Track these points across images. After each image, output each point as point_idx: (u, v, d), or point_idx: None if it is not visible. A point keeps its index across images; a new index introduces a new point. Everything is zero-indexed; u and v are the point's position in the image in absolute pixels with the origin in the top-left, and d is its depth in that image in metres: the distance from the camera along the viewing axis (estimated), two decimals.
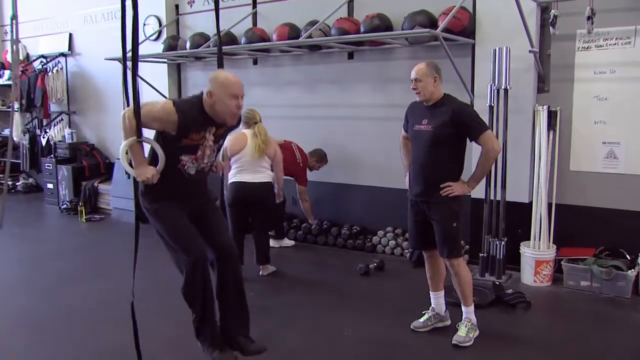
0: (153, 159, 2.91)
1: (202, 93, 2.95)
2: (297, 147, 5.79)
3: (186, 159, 2.95)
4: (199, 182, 3.12)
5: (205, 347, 3.07)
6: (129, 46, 2.77)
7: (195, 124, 2.89)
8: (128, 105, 2.75)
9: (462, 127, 3.43)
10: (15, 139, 8.96)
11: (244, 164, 4.81)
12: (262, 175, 4.87)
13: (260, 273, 5.02)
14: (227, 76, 2.95)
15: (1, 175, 9.62)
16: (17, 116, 8.62)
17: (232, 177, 4.85)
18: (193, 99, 3.00)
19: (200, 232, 3.05)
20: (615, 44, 4.52)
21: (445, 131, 3.42)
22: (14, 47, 3.90)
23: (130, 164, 2.88)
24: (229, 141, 4.70)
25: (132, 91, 2.69)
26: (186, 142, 2.90)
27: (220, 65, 3.28)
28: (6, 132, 9.62)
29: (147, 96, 5.95)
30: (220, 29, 3.32)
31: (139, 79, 6.04)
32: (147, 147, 2.93)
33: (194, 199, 3.12)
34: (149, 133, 2.86)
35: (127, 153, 2.85)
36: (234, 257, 3.16)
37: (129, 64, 2.73)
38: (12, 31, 3.88)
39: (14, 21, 3.81)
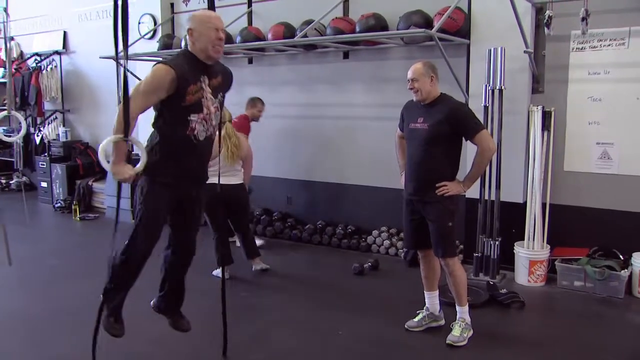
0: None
1: (185, 48, 3.00)
2: (240, 119, 5.72)
3: (195, 119, 2.91)
4: (205, 152, 3.10)
5: (106, 309, 3.13)
6: (120, 45, 2.76)
7: (188, 72, 2.86)
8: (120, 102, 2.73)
9: (457, 126, 3.43)
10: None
11: (220, 168, 4.77)
12: (237, 177, 4.87)
13: (253, 268, 5.04)
14: (205, 12, 3.03)
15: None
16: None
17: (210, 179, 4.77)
18: (179, 52, 3.10)
19: (178, 219, 3.12)
20: (609, 45, 4.53)
21: (441, 130, 3.42)
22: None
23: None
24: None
25: (122, 88, 2.66)
26: (189, 100, 2.86)
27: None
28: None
29: None
30: None
31: (135, 78, 6.01)
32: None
33: (193, 180, 3.11)
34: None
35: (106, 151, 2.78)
36: (192, 255, 3.26)
37: (122, 61, 2.71)
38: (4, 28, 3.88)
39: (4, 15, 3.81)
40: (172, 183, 2.97)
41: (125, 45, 2.75)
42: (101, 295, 3.10)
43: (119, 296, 3.11)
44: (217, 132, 3.14)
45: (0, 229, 4.07)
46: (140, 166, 2.80)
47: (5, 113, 3.61)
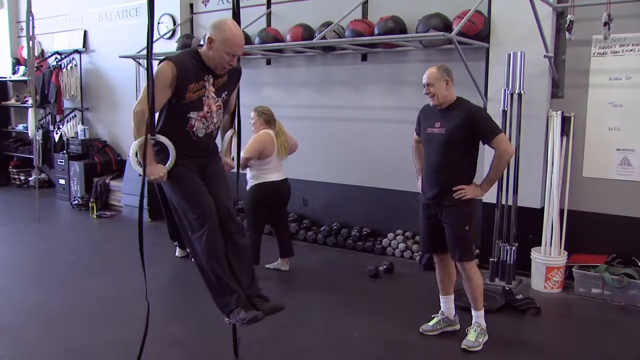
0: (160, 152, 2.91)
1: (196, 48, 3.00)
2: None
3: (194, 116, 2.95)
4: (208, 144, 3.12)
5: (230, 313, 3.00)
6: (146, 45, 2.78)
7: (191, 71, 2.88)
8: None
9: (475, 130, 3.42)
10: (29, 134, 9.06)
11: (272, 165, 4.85)
12: (283, 173, 4.98)
13: (283, 268, 5.07)
14: (233, 32, 2.92)
15: (15, 171, 9.73)
16: (30, 112, 8.69)
17: (258, 178, 4.85)
18: (187, 50, 3.09)
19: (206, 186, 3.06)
20: (631, 50, 4.48)
21: (459, 134, 3.41)
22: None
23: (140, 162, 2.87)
24: (258, 144, 4.74)
25: (148, 88, 2.68)
26: (189, 97, 2.89)
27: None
28: (20, 127, 9.70)
29: None
30: None
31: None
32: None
33: (202, 160, 3.10)
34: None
35: (137, 153, 2.85)
36: (234, 217, 3.12)
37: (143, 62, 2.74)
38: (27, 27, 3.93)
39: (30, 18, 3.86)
40: (182, 165, 2.96)
41: (150, 47, 2.76)
42: (225, 318, 3.04)
43: (228, 288, 2.99)
44: (217, 129, 3.15)
45: None
46: (170, 163, 2.82)
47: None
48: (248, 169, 4.88)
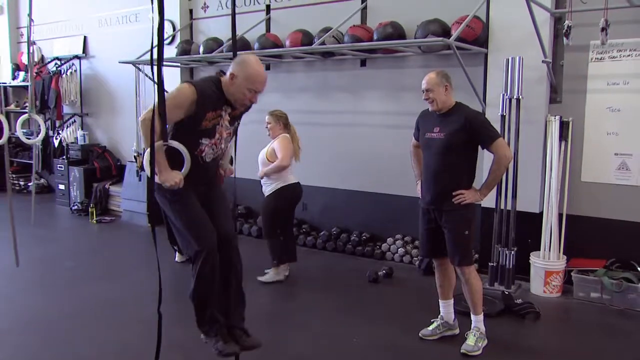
0: (169, 159, 2.90)
1: (217, 74, 3.01)
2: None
3: (205, 142, 2.96)
4: (213, 169, 3.14)
5: (209, 337, 3.07)
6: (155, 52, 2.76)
7: (212, 99, 2.89)
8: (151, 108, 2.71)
9: (474, 135, 3.44)
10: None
11: (290, 168, 4.94)
12: (295, 175, 5.06)
13: (280, 277, 5.05)
14: (256, 69, 2.95)
15: (14, 176, 9.73)
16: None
17: (280, 181, 4.88)
18: (209, 77, 3.05)
19: (208, 211, 3.06)
20: (629, 55, 4.51)
21: (458, 139, 3.43)
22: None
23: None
24: (289, 150, 4.80)
25: (157, 94, 2.66)
26: (205, 125, 2.90)
27: None
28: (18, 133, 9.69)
29: None
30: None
31: (152, 83, 6.02)
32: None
33: (206, 184, 3.12)
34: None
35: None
36: (235, 245, 3.16)
37: (156, 68, 2.71)
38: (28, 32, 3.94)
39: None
40: (187, 188, 2.96)
41: (160, 55, 2.72)
42: (202, 336, 3.09)
43: (215, 317, 3.06)
44: (223, 154, 3.18)
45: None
46: (185, 170, 2.80)
47: (25, 116, 3.65)
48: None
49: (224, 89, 2.95)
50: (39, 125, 4.01)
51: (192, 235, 2.96)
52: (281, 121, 4.93)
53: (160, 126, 2.68)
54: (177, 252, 5.52)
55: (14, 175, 9.77)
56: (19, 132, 3.73)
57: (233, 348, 3.04)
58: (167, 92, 2.73)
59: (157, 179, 2.87)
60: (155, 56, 2.52)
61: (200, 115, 2.86)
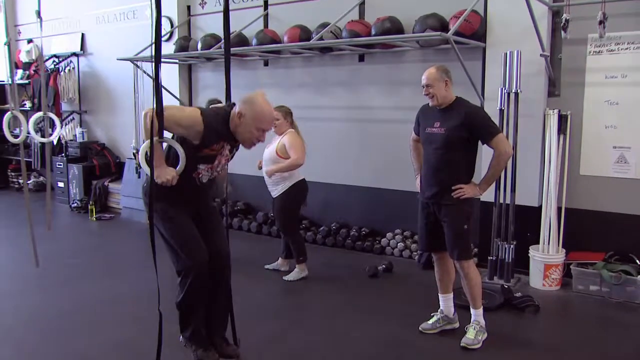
0: (168, 158, 2.93)
1: (229, 107, 2.98)
2: None
3: (203, 167, 3.00)
4: (208, 188, 3.18)
5: (189, 344, 3.13)
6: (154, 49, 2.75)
7: (217, 136, 2.91)
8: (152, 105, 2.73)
9: (474, 130, 3.44)
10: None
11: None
12: None
13: (283, 269, 5.12)
14: (264, 108, 2.94)
15: (14, 174, 9.72)
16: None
17: (292, 178, 4.84)
18: (220, 111, 3.00)
19: (200, 231, 3.10)
20: (627, 48, 4.51)
21: (458, 134, 3.43)
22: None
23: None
24: (302, 146, 4.77)
25: (155, 91, 2.66)
26: (206, 152, 2.93)
27: (227, 67, 3.17)
28: (17, 131, 9.67)
29: None
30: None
31: (150, 80, 6.01)
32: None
33: (200, 202, 3.18)
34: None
35: (147, 153, 2.84)
36: (228, 261, 3.21)
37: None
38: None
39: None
40: (180, 207, 3.03)
41: (158, 51, 2.70)
42: (181, 339, 3.15)
43: (196, 326, 3.11)
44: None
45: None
46: (180, 167, 2.80)
47: (40, 114, 3.63)
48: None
49: (231, 127, 2.94)
50: (54, 123, 3.98)
51: (184, 250, 2.98)
52: (289, 118, 4.90)
53: (158, 123, 2.67)
54: None
55: (13, 174, 9.78)
56: (32, 131, 3.70)
57: (212, 357, 3.11)
58: (163, 86, 2.71)
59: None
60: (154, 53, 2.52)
61: (203, 146, 2.89)
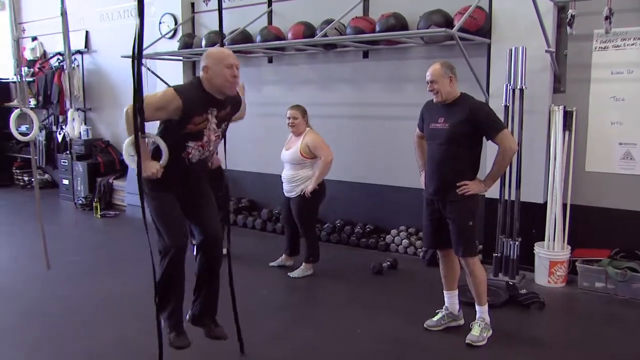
0: (156, 152, 2.94)
1: (198, 76, 3.03)
2: None
3: (192, 145, 2.99)
4: (200, 169, 3.16)
5: (165, 326, 3.11)
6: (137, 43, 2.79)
7: (197, 104, 2.92)
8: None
9: (479, 126, 3.42)
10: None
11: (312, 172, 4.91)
12: None
13: (287, 264, 5.13)
14: (220, 49, 3.10)
15: (18, 171, 9.74)
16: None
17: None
18: (191, 81, 3.12)
19: (192, 214, 3.13)
20: (633, 44, 4.48)
21: (462, 130, 3.42)
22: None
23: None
24: (325, 144, 4.81)
25: (134, 87, 2.70)
26: (191, 128, 2.93)
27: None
28: (23, 128, 9.70)
29: None
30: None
31: (156, 77, 6.03)
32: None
33: (190, 184, 3.15)
34: (152, 128, 2.87)
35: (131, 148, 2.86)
36: (220, 245, 3.23)
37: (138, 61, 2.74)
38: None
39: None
40: (168, 188, 3.02)
41: (140, 46, 2.76)
42: (158, 316, 3.10)
43: (173, 309, 3.10)
44: (212, 155, 3.21)
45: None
46: (164, 160, 2.84)
47: (72, 111, 3.64)
48: (295, 168, 4.85)
49: (206, 87, 2.97)
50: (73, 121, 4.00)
51: (165, 231, 3.00)
52: (306, 117, 4.90)
53: (140, 119, 2.72)
54: (194, 247, 5.49)
55: (18, 171, 9.80)
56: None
57: (184, 342, 3.11)
58: (167, 84, 2.75)
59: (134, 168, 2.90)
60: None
61: (186, 120, 2.90)
